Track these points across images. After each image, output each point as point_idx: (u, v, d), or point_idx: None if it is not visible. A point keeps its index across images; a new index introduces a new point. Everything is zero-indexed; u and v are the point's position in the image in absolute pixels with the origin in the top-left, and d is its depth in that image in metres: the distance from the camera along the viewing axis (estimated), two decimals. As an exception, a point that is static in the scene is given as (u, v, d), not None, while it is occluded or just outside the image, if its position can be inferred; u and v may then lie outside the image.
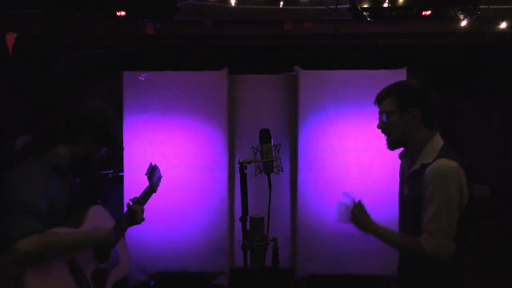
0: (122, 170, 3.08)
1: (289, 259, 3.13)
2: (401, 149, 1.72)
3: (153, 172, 2.22)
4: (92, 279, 1.68)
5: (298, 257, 3.03)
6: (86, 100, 1.78)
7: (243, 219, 1.78)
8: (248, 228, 1.78)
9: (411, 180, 1.62)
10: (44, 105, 3.24)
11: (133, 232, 2.76)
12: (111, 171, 3.35)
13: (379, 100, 1.68)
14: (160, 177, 2.32)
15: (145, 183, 2.18)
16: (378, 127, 1.69)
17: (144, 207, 2.01)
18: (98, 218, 1.79)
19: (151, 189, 2.17)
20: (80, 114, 1.72)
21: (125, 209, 1.95)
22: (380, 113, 1.68)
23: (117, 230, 1.83)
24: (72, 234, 1.60)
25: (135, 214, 1.93)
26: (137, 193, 2.09)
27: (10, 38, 2.59)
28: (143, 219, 1.96)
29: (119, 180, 3.20)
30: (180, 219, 3.03)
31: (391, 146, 1.68)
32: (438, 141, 1.60)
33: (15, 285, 1.45)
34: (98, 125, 1.71)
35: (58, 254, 1.55)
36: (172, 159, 3.02)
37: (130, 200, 2.00)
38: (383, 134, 1.70)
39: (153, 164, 2.26)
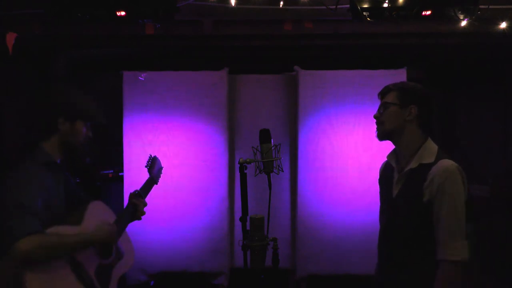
0: (122, 170, 3.08)
1: (289, 259, 3.13)
2: (388, 142, 1.74)
3: (153, 164, 2.21)
4: (95, 275, 1.68)
5: (298, 257, 3.03)
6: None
7: (243, 219, 1.77)
8: (248, 228, 1.78)
9: (406, 179, 1.64)
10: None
11: (133, 232, 2.75)
12: (111, 171, 3.35)
13: (384, 92, 1.73)
14: (160, 168, 2.30)
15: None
16: (375, 116, 1.74)
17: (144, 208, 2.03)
18: (97, 214, 1.79)
19: (152, 181, 2.16)
20: (43, 102, 1.69)
21: (125, 205, 1.95)
22: (381, 105, 1.72)
23: (119, 225, 1.84)
24: (74, 236, 1.60)
25: (136, 207, 1.95)
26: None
27: (10, 38, 2.59)
28: (143, 213, 1.99)
29: (119, 180, 3.20)
30: (180, 219, 3.03)
31: (381, 136, 1.72)
32: (433, 144, 1.65)
33: (16, 285, 1.45)
34: (63, 104, 1.68)
35: (59, 255, 1.55)
36: (172, 159, 3.02)
37: (131, 193, 2.00)
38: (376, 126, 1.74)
39: (152, 156, 2.25)
